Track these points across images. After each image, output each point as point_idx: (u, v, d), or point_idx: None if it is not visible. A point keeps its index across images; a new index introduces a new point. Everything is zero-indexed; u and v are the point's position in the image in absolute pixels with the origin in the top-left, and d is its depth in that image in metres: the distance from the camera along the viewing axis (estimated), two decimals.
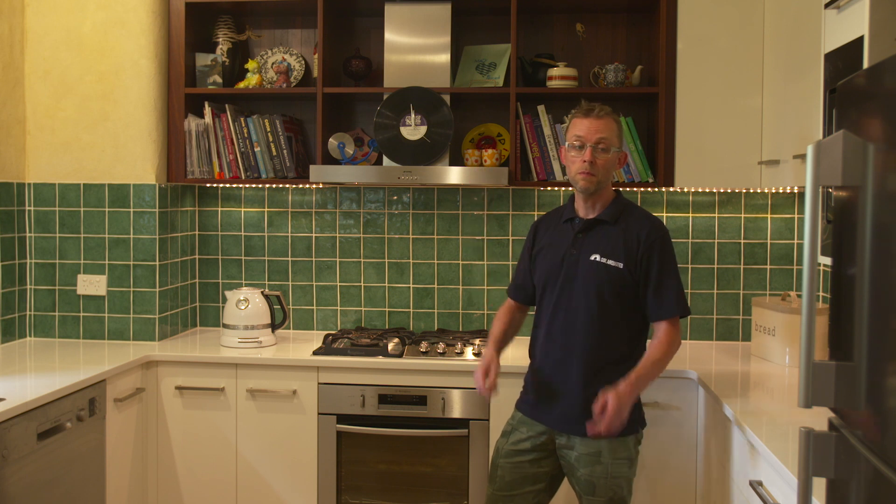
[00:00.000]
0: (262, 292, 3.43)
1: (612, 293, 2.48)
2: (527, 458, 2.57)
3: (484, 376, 2.57)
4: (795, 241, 3.53)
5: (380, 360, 3.13)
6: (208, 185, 3.70)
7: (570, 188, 3.51)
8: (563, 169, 3.34)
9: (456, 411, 3.09)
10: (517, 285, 2.76)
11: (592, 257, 2.51)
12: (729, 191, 3.52)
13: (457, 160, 3.52)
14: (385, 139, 3.31)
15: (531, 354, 2.68)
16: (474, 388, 3.04)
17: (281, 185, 3.70)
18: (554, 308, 2.56)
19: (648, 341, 2.57)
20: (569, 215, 2.62)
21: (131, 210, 3.44)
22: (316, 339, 3.54)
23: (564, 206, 2.68)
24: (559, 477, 2.62)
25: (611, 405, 2.35)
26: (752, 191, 3.51)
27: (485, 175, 3.25)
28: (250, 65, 3.54)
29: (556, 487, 2.64)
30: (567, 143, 2.56)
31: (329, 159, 3.49)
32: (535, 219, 2.81)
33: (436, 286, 3.68)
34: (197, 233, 3.78)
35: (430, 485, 3.19)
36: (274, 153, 3.46)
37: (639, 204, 3.56)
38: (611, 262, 2.48)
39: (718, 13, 3.20)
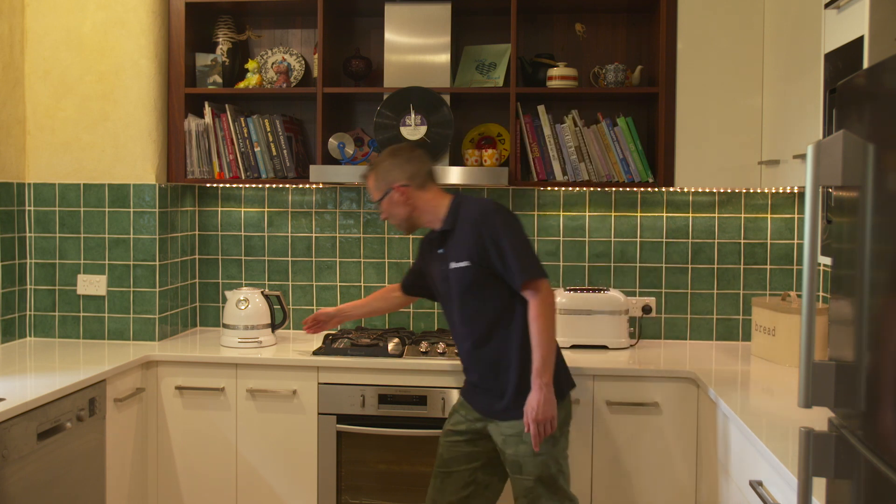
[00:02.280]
0: (262, 292, 3.43)
1: (475, 289, 2.63)
2: (462, 437, 2.74)
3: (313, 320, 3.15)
4: (795, 241, 3.53)
5: (380, 360, 3.13)
6: (208, 185, 3.70)
7: (570, 188, 3.52)
8: (563, 169, 3.34)
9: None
10: (408, 279, 3.08)
11: (451, 266, 2.67)
12: (729, 191, 3.52)
13: (457, 160, 3.52)
14: (385, 139, 3.31)
15: None
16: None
17: (281, 185, 3.70)
18: (449, 319, 2.79)
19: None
20: (431, 235, 2.82)
21: (131, 210, 3.44)
22: (316, 339, 3.53)
23: None
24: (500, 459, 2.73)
25: (532, 429, 2.52)
26: (752, 191, 3.51)
27: (485, 175, 3.25)
28: (250, 65, 3.54)
29: (499, 469, 2.73)
30: None
31: (329, 159, 3.49)
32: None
33: None
34: (197, 233, 3.78)
35: None
36: (274, 153, 3.46)
37: (638, 204, 3.57)
38: (462, 264, 2.63)
39: (718, 13, 3.20)
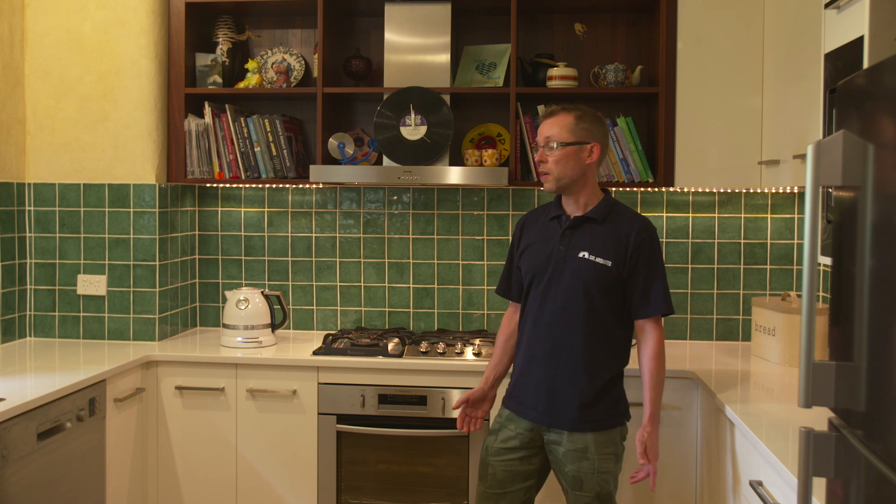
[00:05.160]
0: (262, 292, 3.43)
1: (599, 290, 2.50)
2: (517, 455, 2.58)
3: (461, 407, 2.77)
4: (795, 241, 3.53)
5: (380, 360, 3.13)
6: (208, 185, 3.70)
7: None
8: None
9: (456, 411, 3.08)
10: (509, 284, 2.75)
11: (581, 255, 2.51)
12: (729, 191, 3.52)
13: (457, 160, 3.52)
14: (385, 139, 3.31)
15: (516, 350, 2.67)
16: (474, 388, 3.04)
17: (281, 185, 3.70)
18: (541, 305, 2.56)
19: (637, 347, 2.61)
20: (555, 213, 2.61)
21: (131, 210, 3.44)
22: (316, 339, 3.54)
23: (550, 204, 2.67)
24: (546, 471, 2.65)
25: (654, 468, 2.51)
26: (752, 191, 3.51)
27: (485, 175, 3.25)
28: (250, 65, 3.54)
29: (543, 482, 2.67)
30: None
31: (329, 159, 3.49)
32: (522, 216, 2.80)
33: (436, 286, 3.68)
34: (197, 233, 3.78)
35: (430, 485, 3.19)
36: (274, 153, 3.46)
37: (639, 204, 3.57)
38: (599, 260, 2.49)
39: (718, 13, 3.20)
